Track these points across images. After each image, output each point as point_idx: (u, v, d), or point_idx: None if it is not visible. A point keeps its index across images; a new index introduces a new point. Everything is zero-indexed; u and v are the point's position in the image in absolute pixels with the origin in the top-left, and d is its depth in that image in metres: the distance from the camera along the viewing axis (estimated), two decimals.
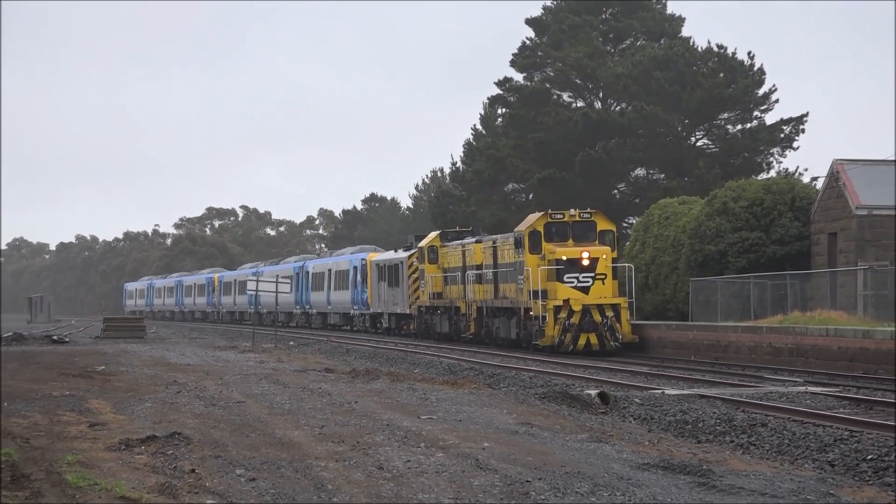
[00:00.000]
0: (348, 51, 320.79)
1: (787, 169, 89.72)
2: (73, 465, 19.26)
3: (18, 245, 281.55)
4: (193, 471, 19.11)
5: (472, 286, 63.70)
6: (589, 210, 57.07)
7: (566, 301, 52.66)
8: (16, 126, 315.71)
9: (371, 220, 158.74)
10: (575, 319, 52.61)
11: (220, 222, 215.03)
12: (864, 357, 42.20)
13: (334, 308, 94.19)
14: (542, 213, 56.69)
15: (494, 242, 61.28)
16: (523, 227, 55.95)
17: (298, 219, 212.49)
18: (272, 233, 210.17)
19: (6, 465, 18.86)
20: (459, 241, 68.37)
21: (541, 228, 54.81)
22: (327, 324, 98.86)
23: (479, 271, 62.99)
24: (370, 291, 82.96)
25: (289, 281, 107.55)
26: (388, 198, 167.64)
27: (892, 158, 59.56)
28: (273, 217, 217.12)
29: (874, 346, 41.93)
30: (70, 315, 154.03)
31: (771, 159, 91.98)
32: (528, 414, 27.67)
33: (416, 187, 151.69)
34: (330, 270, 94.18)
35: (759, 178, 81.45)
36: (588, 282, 53.31)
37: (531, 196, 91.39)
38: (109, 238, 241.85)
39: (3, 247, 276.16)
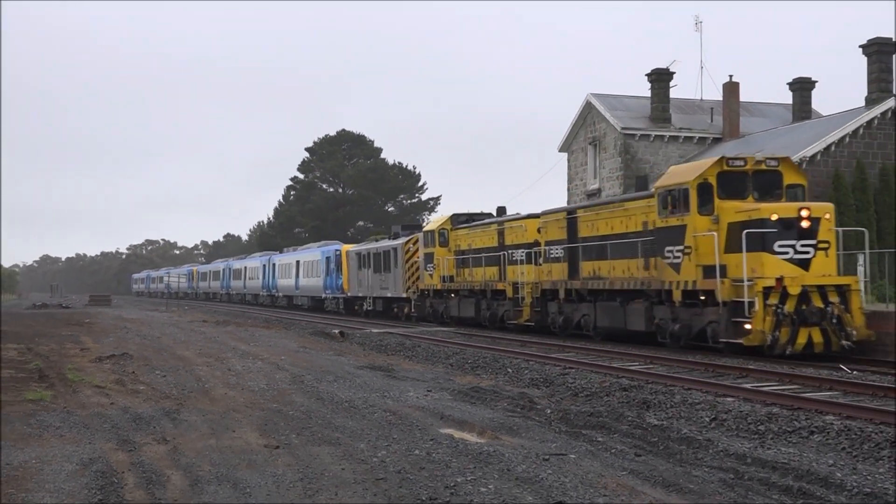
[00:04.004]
0: (213, 163, 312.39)
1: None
2: (72, 370, 18.58)
3: (45, 258, 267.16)
4: (133, 372, 18.49)
5: (524, 267, 29.27)
6: (775, 157, 20.84)
7: (779, 280, 18.59)
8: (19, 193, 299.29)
9: (227, 247, 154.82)
10: (790, 307, 18.51)
11: (150, 247, 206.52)
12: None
13: (302, 292, 60.43)
14: (714, 159, 20.76)
15: (572, 213, 26.54)
16: (689, 177, 20.45)
17: (189, 245, 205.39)
18: (178, 252, 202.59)
19: (36, 371, 18.31)
20: (494, 219, 33.56)
21: (713, 180, 20.17)
22: (293, 304, 63.15)
23: (532, 249, 28.94)
24: (345, 277, 51.10)
25: (178, 276, 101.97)
26: (236, 234, 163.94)
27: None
28: (178, 244, 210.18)
29: None
30: (71, 294, 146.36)
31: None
32: (304, 342, 27.47)
33: (250, 230, 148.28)
34: (298, 262, 62.04)
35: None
36: (808, 252, 19.07)
37: (308, 234, 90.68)
38: (92, 254, 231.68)
39: (38, 258, 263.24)
